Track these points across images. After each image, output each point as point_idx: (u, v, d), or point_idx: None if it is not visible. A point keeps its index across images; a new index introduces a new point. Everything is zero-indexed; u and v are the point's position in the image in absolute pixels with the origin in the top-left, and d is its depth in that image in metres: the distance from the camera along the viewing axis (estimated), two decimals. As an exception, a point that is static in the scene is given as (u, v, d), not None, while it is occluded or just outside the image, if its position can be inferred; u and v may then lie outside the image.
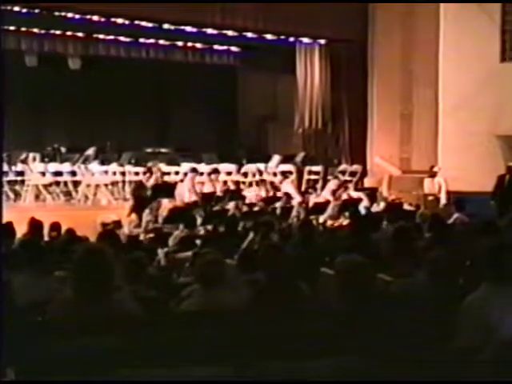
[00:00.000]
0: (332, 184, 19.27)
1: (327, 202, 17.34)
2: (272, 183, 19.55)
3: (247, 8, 19.01)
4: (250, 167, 20.22)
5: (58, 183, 18.23)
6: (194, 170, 17.91)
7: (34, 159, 18.83)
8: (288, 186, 18.66)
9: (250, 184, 19.73)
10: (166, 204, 16.28)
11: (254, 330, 4.83)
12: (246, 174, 20.01)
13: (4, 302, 5.03)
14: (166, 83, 23.39)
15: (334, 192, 18.02)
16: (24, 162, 18.17)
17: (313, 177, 20.55)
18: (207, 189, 17.77)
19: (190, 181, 17.50)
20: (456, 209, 13.35)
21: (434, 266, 6.09)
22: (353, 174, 20.72)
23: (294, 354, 4.45)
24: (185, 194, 17.05)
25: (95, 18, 18.32)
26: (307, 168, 20.57)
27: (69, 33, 20.73)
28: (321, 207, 16.78)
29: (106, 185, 18.27)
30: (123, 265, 5.96)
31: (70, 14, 18.03)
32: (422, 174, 19.26)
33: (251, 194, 18.20)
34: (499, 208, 14.78)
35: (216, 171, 18.39)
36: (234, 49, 23.90)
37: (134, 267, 6.18)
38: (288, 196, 17.35)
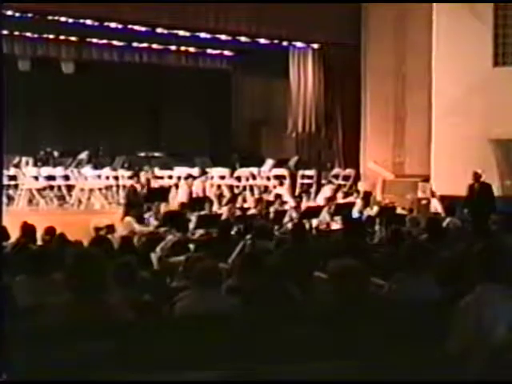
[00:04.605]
0: (327, 189, 19.32)
1: (320, 206, 17.36)
2: (265, 187, 19.58)
3: (240, 12, 19.03)
4: (243, 171, 20.22)
5: (51, 187, 18.21)
6: (189, 177, 18.04)
7: (27, 163, 18.81)
8: (282, 191, 18.68)
9: (245, 188, 19.73)
10: (162, 208, 16.32)
11: (247, 334, 4.84)
12: (239, 178, 20.00)
13: (5, 304, 5.03)
14: (160, 87, 23.39)
15: (328, 198, 18.05)
16: (17, 166, 18.15)
17: (306, 181, 20.57)
18: (197, 192, 17.84)
19: (186, 185, 17.58)
20: (448, 213, 13.39)
21: (431, 269, 6.11)
22: (346, 178, 20.75)
23: (286, 359, 4.45)
24: (178, 198, 17.07)
25: (88, 22, 18.30)
26: (300, 172, 20.59)
27: (62, 37, 20.74)
28: (314, 211, 16.79)
29: (99, 189, 18.25)
30: (115, 269, 5.95)
31: (63, 18, 18.01)
32: (415, 178, 19.30)
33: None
34: (472, 216, 14.55)
35: (190, 176, 18.37)
36: (227, 53, 23.93)
37: (126, 271, 6.17)
38: (280, 199, 17.37)
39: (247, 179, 20.03)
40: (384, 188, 19.97)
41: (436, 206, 16.87)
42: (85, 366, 4.35)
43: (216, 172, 19.70)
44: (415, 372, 4.32)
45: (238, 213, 15.62)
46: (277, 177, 19.89)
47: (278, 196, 17.80)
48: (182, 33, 20.06)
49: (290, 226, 13.73)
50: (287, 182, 19.72)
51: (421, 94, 19.74)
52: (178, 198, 17.17)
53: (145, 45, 22.04)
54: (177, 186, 18.08)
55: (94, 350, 4.45)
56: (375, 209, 17.14)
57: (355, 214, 16.80)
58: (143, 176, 17.23)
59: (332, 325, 4.91)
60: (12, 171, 17.69)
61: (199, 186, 18.09)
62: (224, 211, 15.75)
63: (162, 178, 18.82)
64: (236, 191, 19.23)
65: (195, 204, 16.32)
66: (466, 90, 18.51)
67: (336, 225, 15.56)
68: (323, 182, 20.28)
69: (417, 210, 17.05)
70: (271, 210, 16.49)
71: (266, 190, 19.46)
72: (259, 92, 23.87)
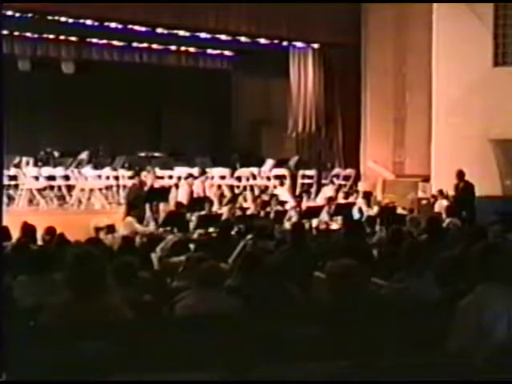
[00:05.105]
0: (328, 190, 19.31)
1: (321, 206, 17.37)
2: (266, 187, 19.58)
3: (240, 12, 19.03)
4: (243, 171, 20.21)
5: (51, 187, 18.21)
6: (189, 176, 18.09)
7: (28, 163, 18.80)
8: (282, 191, 18.69)
9: (245, 188, 19.72)
10: (161, 208, 16.32)
11: (247, 334, 4.84)
12: (239, 178, 19.99)
13: (5, 304, 5.03)
14: (160, 87, 23.39)
15: (329, 198, 18.05)
16: (17, 166, 18.14)
17: (306, 181, 20.56)
18: (198, 192, 17.85)
19: (187, 185, 17.59)
20: (448, 213, 13.37)
21: (431, 269, 6.11)
22: (346, 178, 20.75)
23: (286, 359, 4.46)
24: (179, 198, 17.07)
25: (88, 22, 18.32)
26: (301, 172, 20.58)
27: (62, 37, 20.74)
28: (314, 211, 16.79)
29: (99, 189, 18.23)
30: (115, 269, 5.95)
31: (63, 18, 18.03)
32: (416, 177, 19.30)
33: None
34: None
35: (191, 176, 18.40)
36: (227, 53, 23.93)
37: (126, 271, 6.17)
38: (277, 199, 17.37)
39: (247, 179, 20.01)
40: (384, 188, 19.99)
41: (443, 206, 16.71)
42: (85, 365, 4.35)
43: (216, 172, 19.68)
44: (415, 372, 4.32)
45: (239, 213, 15.62)
46: (277, 177, 19.88)
47: (274, 196, 17.80)
48: (182, 33, 20.06)
49: (290, 225, 13.73)
50: (287, 182, 19.71)
51: (421, 94, 19.75)
52: (178, 197, 17.17)
53: (145, 45, 22.04)
54: (177, 186, 18.07)
55: (94, 349, 4.45)
56: (375, 209, 17.15)
57: (355, 214, 16.81)
58: (145, 176, 17.25)
59: (332, 325, 4.91)
60: (12, 171, 17.67)
61: (199, 186, 18.10)
62: (224, 211, 15.76)
63: (162, 178, 18.81)
64: (236, 191, 19.22)
65: (195, 204, 16.32)
66: (466, 90, 18.52)
67: (336, 225, 15.57)
68: (325, 182, 20.27)
69: (417, 210, 17.05)
70: (271, 210, 16.50)
71: (266, 189, 19.46)
72: (259, 92, 23.86)
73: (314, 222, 16.00)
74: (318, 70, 21.72)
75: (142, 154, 21.03)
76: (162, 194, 17.04)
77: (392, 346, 4.72)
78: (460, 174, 16.13)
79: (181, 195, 17.39)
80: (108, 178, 18.61)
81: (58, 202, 18.02)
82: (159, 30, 19.56)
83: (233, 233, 12.02)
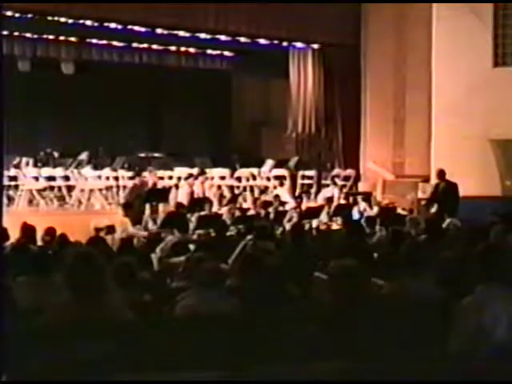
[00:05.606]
0: (330, 190, 19.29)
1: (321, 207, 17.37)
2: (266, 188, 19.57)
3: (240, 13, 19.04)
4: (243, 172, 20.21)
5: (51, 188, 18.20)
6: (190, 177, 18.10)
7: (27, 164, 18.79)
8: (282, 191, 18.69)
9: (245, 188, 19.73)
10: (161, 208, 16.32)
11: (248, 334, 4.84)
12: (239, 179, 19.99)
13: (5, 305, 5.03)
14: (160, 88, 23.40)
15: (328, 198, 18.04)
16: (17, 166, 18.13)
17: (306, 181, 20.56)
18: (198, 193, 17.85)
19: (187, 186, 17.59)
20: (448, 214, 13.35)
21: (431, 270, 6.11)
22: (346, 178, 20.74)
23: (286, 359, 4.46)
24: (179, 199, 17.07)
25: (88, 22, 18.33)
26: (300, 173, 20.58)
27: (62, 37, 20.72)
28: (314, 212, 16.79)
29: (99, 189, 18.24)
30: (115, 269, 5.95)
31: (63, 19, 18.03)
32: (416, 178, 19.30)
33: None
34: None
35: (191, 176, 18.40)
36: (227, 53, 23.91)
37: (126, 272, 6.17)
38: (279, 200, 17.37)
39: (247, 180, 20.02)
40: (384, 188, 19.99)
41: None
42: (85, 366, 4.35)
43: (216, 172, 19.67)
44: (415, 372, 4.32)
45: (238, 213, 15.62)
46: (277, 177, 19.87)
47: (277, 196, 17.80)
48: (181, 33, 20.07)
49: (290, 226, 13.72)
50: (287, 182, 19.71)
51: (421, 95, 19.74)
52: (178, 198, 17.18)
53: (145, 45, 22.02)
54: (177, 186, 18.08)
55: (94, 350, 4.45)
56: (375, 209, 17.15)
57: (355, 214, 16.80)
58: (145, 176, 17.24)
59: (332, 325, 4.91)
60: (12, 172, 17.65)
61: (199, 186, 18.10)
62: (224, 212, 15.76)
63: (162, 178, 18.82)
64: (236, 192, 19.22)
65: (195, 204, 16.32)
66: (466, 90, 18.51)
67: (336, 225, 15.57)
68: (327, 182, 20.26)
69: (417, 211, 17.04)
70: (271, 210, 16.50)
71: (266, 190, 19.46)
72: (259, 92, 23.88)
73: (314, 223, 15.99)
74: (317, 71, 21.73)
75: (142, 155, 21.04)
76: (162, 194, 17.05)
77: (392, 346, 4.72)
78: (440, 173, 15.48)
79: (181, 196, 17.39)
80: (108, 178, 18.61)
81: (57, 203, 18.02)
82: (159, 31, 19.56)
83: (233, 233, 12.02)
